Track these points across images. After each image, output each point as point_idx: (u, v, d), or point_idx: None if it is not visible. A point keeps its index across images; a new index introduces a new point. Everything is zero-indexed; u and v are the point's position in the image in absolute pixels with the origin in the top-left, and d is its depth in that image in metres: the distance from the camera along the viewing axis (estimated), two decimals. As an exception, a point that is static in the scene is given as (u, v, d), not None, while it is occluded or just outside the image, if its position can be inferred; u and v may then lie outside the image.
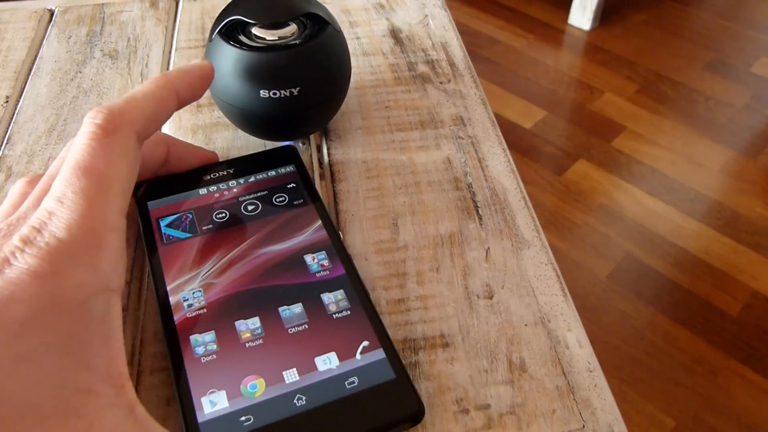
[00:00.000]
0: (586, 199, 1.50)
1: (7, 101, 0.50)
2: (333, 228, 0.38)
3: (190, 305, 0.34)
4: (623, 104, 1.72)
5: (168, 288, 0.35)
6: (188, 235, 0.38)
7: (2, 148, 0.47)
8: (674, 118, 1.68)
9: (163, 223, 0.39)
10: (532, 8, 2.05)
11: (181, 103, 0.36)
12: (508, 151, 0.46)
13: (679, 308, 1.32)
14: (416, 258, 0.39)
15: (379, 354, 0.32)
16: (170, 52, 0.55)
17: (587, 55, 1.88)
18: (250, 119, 0.42)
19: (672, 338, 1.28)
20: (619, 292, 1.32)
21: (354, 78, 0.51)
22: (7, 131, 0.48)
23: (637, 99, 1.74)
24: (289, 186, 0.40)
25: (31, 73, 0.53)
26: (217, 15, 0.56)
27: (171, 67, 0.53)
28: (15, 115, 0.49)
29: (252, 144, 0.46)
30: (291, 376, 0.32)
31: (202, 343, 0.33)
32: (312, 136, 0.47)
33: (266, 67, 0.40)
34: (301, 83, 0.40)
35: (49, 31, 0.57)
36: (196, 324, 0.34)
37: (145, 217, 0.39)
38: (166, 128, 0.48)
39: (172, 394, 0.33)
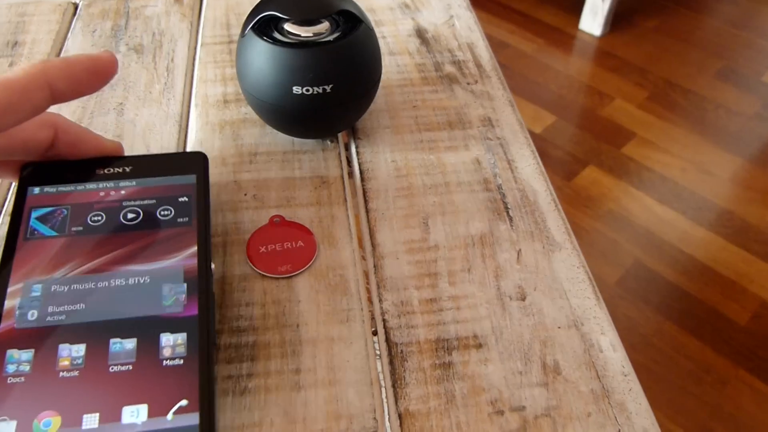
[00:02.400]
0: (595, 205, 1.49)
1: (33, 93, 0.50)
2: (206, 258, 0.35)
3: (22, 315, 0.33)
4: (633, 111, 1.72)
5: (9, 290, 0.34)
6: (54, 233, 0.36)
7: (29, 140, 0.46)
8: (684, 125, 1.68)
9: (34, 215, 0.36)
10: (543, 13, 2.05)
11: (58, 97, 0.33)
12: (536, 154, 0.46)
13: (687, 316, 1.32)
14: (447, 258, 0.39)
15: (193, 419, 0.29)
16: (195, 48, 0.55)
17: (597, 61, 1.88)
18: (280, 116, 0.42)
19: (680, 346, 1.28)
20: (628, 298, 1.31)
21: (381, 77, 0.51)
22: (33, 123, 0.48)
23: (648, 106, 1.73)
24: (180, 199, 0.37)
25: (57, 66, 0.53)
26: (243, 11, 0.55)
27: (197, 63, 0.53)
28: (41, 107, 0.49)
29: (280, 141, 0.46)
30: (90, 421, 0.29)
31: (17, 361, 0.31)
32: (340, 135, 0.47)
33: (300, 64, 0.40)
34: (334, 80, 0.40)
35: (73, 24, 0.57)
36: (20, 338, 0.32)
37: (19, 203, 0.37)
38: (193, 122, 0.48)
39: None
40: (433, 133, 0.47)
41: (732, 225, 1.47)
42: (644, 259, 1.40)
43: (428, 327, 0.36)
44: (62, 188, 0.38)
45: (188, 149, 0.45)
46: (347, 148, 0.46)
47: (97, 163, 0.39)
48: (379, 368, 0.35)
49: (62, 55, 0.54)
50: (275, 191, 0.43)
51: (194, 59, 0.54)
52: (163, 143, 0.46)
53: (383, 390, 0.34)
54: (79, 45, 0.55)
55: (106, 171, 0.39)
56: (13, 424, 0.29)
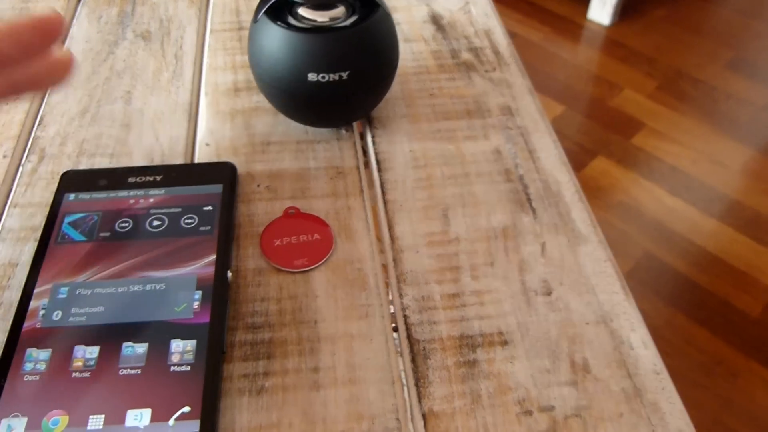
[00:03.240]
0: (605, 196, 1.48)
1: (38, 81, 0.49)
2: (224, 267, 0.35)
3: (46, 315, 0.33)
4: (643, 101, 1.69)
5: (35, 291, 0.34)
6: (83, 238, 0.36)
7: (34, 128, 0.45)
8: (694, 116, 1.66)
9: (67, 220, 0.37)
10: (551, 2, 2.02)
11: (3, 60, 0.29)
12: (558, 143, 0.44)
13: (698, 308, 1.30)
14: (469, 251, 0.38)
15: (194, 426, 0.29)
16: (204, 35, 0.53)
17: (606, 51, 1.85)
18: (295, 104, 0.41)
19: (691, 338, 1.26)
20: (638, 290, 1.30)
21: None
22: (38, 112, 0.46)
23: (657, 96, 1.71)
24: (205, 208, 0.38)
25: (62, 54, 0.51)
26: (255, -4, 0.54)
27: (206, 50, 0.51)
28: (46, 95, 0.48)
29: (293, 130, 0.44)
30: (96, 422, 0.29)
31: (35, 359, 0.31)
32: (355, 124, 0.45)
33: (316, 50, 0.38)
34: (351, 67, 0.39)
35: (78, 10, 0.56)
36: (40, 338, 0.32)
37: (55, 208, 0.38)
38: (203, 111, 0.46)
39: None
40: (452, 122, 0.45)
41: (743, 216, 1.45)
42: (654, 250, 1.38)
43: (451, 323, 0.35)
44: (96, 195, 0.39)
45: (198, 139, 0.44)
46: (362, 137, 0.45)
47: (130, 171, 0.40)
48: (401, 366, 0.33)
49: (67, 43, 0.52)
50: (289, 182, 0.41)
51: (203, 46, 0.52)
52: (172, 133, 0.44)
53: (405, 389, 0.32)
54: (84, 32, 0.53)
55: (138, 179, 0.39)
56: (24, 420, 0.29)
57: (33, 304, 0.33)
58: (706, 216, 1.45)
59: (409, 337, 0.34)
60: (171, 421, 0.29)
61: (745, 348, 1.26)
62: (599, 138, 1.60)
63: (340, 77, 0.39)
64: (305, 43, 0.38)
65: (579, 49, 1.87)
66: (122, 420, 0.29)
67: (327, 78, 0.38)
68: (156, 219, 0.37)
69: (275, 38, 0.39)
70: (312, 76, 0.38)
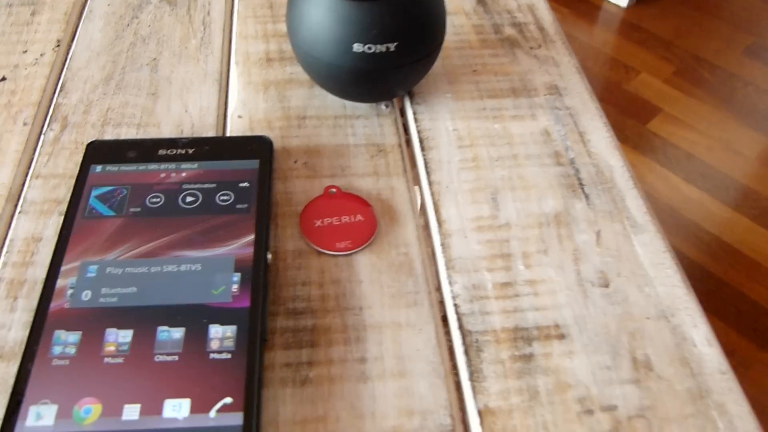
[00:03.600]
0: (619, 181, 1.46)
1: (58, 45, 0.46)
2: (264, 248, 0.33)
3: (75, 295, 0.31)
4: (659, 86, 1.67)
5: (62, 268, 0.32)
6: (112, 213, 0.34)
7: (56, 95, 0.43)
8: (712, 102, 1.63)
9: (94, 193, 0.35)
10: (567, -18, 1.99)
11: None
12: (609, 126, 0.42)
13: (711, 297, 1.29)
14: (521, 238, 0.36)
15: (237, 419, 0.27)
16: (233, 1, 0.51)
17: (623, 33, 1.82)
18: (337, 76, 0.38)
19: (703, 328, 1.25)
20: (651, 278, 1.28)
21: (438, 37, 0.47)
22: (60, 77, 0.44)
23: (674, 81, 1.68)
24: (241, 185, 0.36)
25: (83, 17, 0.49)
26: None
27: (235, 18, 0.49)
28: (68, 60, 0.45)
29: (330, 104, 0.42)
30: (131, 412, 0.27)
31: (63, 342, 0.29)
32: (395, 99, 0.43)
33: (363, 19, 0.36)
34: (399, 38, 0.36)
35: (100, -28, 0.53)
36: (68, 319, 0.30)
37: (81, 180, 0.35)
38: (234, 82, 0.44)
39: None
40: (497, 101, 0.43)
41: (758, 206, 1.43)
42: (668, 238, 1.36)
43: (504, 314, 0.33)
44: (124, 167, 0.36)
45: (230, 111, 0.41)
46: (402, 113, 0.42)
47: (160, 143, 0.37)
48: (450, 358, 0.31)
49: (88, 6, 0.49)
50: (328, 159, 0.39)
51: (232, 13, 0.49)
52: (202, 103, 0.42)
53: (457, 383, 0.30)
54: (107, -5, 0.50)
55: (168, 152, 0.37)
56: (54, 408, 0.27)
57: (60, 282, 0.31)
58: (721, 204, 1.43)
59: (460, 327, 0.32)
60: (212, 413, 0.27)
61: (758, 339, 1.24)
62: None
63: (387, 49, 0.36)
64: (351, 12, 0.35)
65: (595, 31, 1.84)
66: (159, 410, 0.27)
67: (373, 49, 0.36)
68: (189, 195, 0.35)
69: (319, 5, 0.36)
70: (358, 47, 0.36)
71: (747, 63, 1.74)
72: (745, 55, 1.76)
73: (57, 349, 0.29)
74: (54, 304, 0.30)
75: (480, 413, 0.29)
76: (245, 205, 0.34)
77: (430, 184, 0.38)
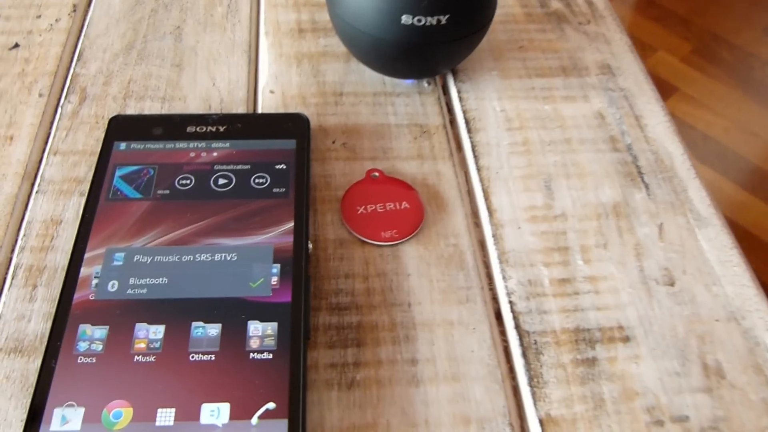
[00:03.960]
0: (634, 162, 1.43)
1: (74, 10, 0.43)
2: (304, 236, 0.30)
3: (101, 285, 0.28)
4: (676, 64, 1.63)
5: (86, 255, 0.29)
6: (139, 195, 0.31)
7: (73, 64, 0.39)
8: (729, 83, 1.60)
9: (118, 173, 0.32)
10: (583, -45, 1.93)
11: None
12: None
13: (724, 282, 1.27)
14: (578, 230, 0.33)
15: (281, 427, 0.25)
16: (259, -33, 0.47)
17: (639, 10, 1.78)
18: (381, 50, 0.35)
19: (717, 313, 1.23)
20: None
21: (482, 10, 0.44)
22: (77, 45, 0.41)
23: (691, 60, 1.65)
24: (277, 167, 0.33)
25: (100, -20, 0.45)
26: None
27: (264, -16, 0.46)
28: (85, 27, 0.42)
29: (369, 80, 0.39)
30: (165, 417, 0.25)
31: (89, 338, 0.27)
32: (437, 77, 0.40)
33: (413, -13, 0.33)
34: (452, 10, 0.33)
35: (116, -68, 0.49)
36: (94, 312, 0.27)
37: (104, 158, 0.33)
38: (264, 53, 0.41)
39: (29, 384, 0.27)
40: (546, 80, 0.40)
41: (775, 190, 1.41)
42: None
43: (564, 313, 0.30)
44: (150, 145, 0.33)
45: (261, 85, 0.38)
46: (445, 91, 0.40)
47: (188, 119, 0.34)
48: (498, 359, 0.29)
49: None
50: (368, 140, 0.36)
51: (259, -21, 0.46)
52: (231, 76, 0.39)
53: (514, 388, 0.28)
54: (125, -44, 0.47)
55: (198, 129, 0.34)
56: (81, 411, 0.25)
57: (84, 271, 0.29)
58: (737, 188, 1.40)
59: (517, 327, 0.30)
60: (254, 419, 0.25)
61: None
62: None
63: (438, 21, 0.33)
64: (402, -21, 0.32)
65: (612, 7, 1.79)
66: (196, 415, 0.25)
67: (423, 22, 0.33)
68: (222, 177, 0.32)
69: (365, -29, 0.33)
70: (406, 19, 0.33)
71: (766, 42, 1.70)
72: (765, 35, 1.72)
73: (82, 346, 0.27)
74: (78, 295, 0.28)
75: (541, 422, 0.27)
76: (282, 189, 0.32)
77: (479, 169, 0.35)
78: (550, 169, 0.35)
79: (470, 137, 0.37)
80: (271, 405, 0.25)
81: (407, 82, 0.39)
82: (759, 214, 1.37)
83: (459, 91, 0.39)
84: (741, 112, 1.54)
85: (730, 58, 1.66)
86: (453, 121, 0.38)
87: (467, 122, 0.37)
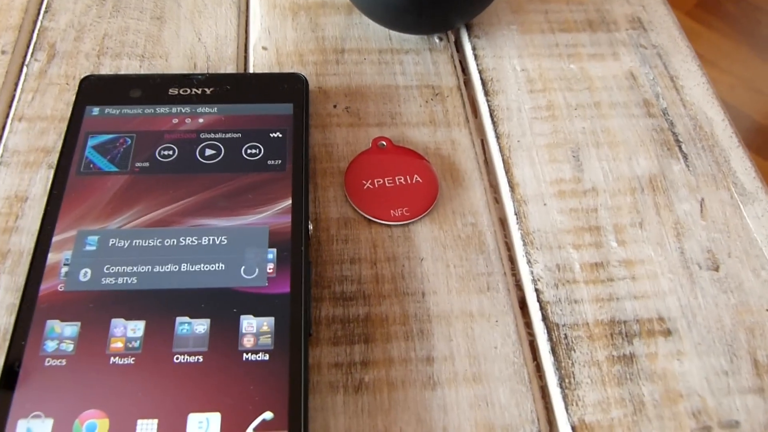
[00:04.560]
0: (637, 120, 1.39)
1: (41, -45, 0.38)
2: (305, 216, 0.26)
3: (71, 274, 0.24)
4: (681, 18, 1.57)
5: (53, 239, 0.25)
6: (114, 168, 0.28)
7: (40, 17, 0.35)
8: (735, 38, 1.55)
9: (90, 143, 0.28)
10: None
11: None
12: (704, 70, 0.35)
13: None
14: (611, 207, 0.29)
15: None
16: None
17: (645, -39, 1.71)
18: (388, 1, 0.31)
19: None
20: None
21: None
22: (44, -5, 0.36)
23: (696, 14, 1.59)
24: (272, 135, 0.29)
25: None
26: None
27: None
28: (53, -26, 0.37)
29: (373, 34, 0.35)
30: (146, 430, 0.22)
31: (58, 336, 0.23)
32: (449, 31, 0.36)
33: (427, -73, 0.28)
34: (471, -47, 0.29)
35: None
36: (64, 305, 0.24)
37: (74, 125, 0.29)
38: (255, 5, 0.36)
39: None
40: (571, 35, 0.36)
41: (781, 150, 1.37)
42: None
43: (597, 303, 0.27)
44: (127, 110, 0.29)
45: (252, 41, 0.34)
46: (459, 48, 0.35)
47: (170, 80, 0.30)
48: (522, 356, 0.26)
49: None
50: (373, 103, 0.32)
51: None
52: (218, 31, 0.35)
53: (542, 389, 0.25)
54: None
55: (181, 92, 0.30)
56: (49, 423, 0.22)
57: (52, 257, 0.25)
58: (742, 147, 1.36)
59: (544, 319, 0.26)
60: (249, 431, 0.22)
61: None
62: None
63: (455, -33, 0.29)
64: None
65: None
66: (182, 428, 0.22)
67: (438, -33, 0.29)
68: (209, 147, 0.28)
69: None
70: (418, -36, 0.29)
71: (775, -4, 1.64)
72: (774, -12, 1.66)
73: (50, 345, 0.23)
74: (45, 286, 0.24)
75: (574, 429, 0.24)
76: (278, 161, 0.28)
77: (498, 137, 0.31)
78: (577, 137, 0.32)
79: (488, 100, 0.33)
80: (268, 415, 0.22)
81: (416, 38, 0.35)
82: (764, 175, 1.33)
83: (474, 48, 0.35)
84: (747, 68, 1.50)
85: (736, 12, 1.61)
86: (468, 82, 0.34)
87: (484, 83, 0.33)
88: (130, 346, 0.23)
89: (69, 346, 0.23)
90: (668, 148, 0.32)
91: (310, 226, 0.27)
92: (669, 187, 0.30)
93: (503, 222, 0.29)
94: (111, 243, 0.26)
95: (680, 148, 0.32)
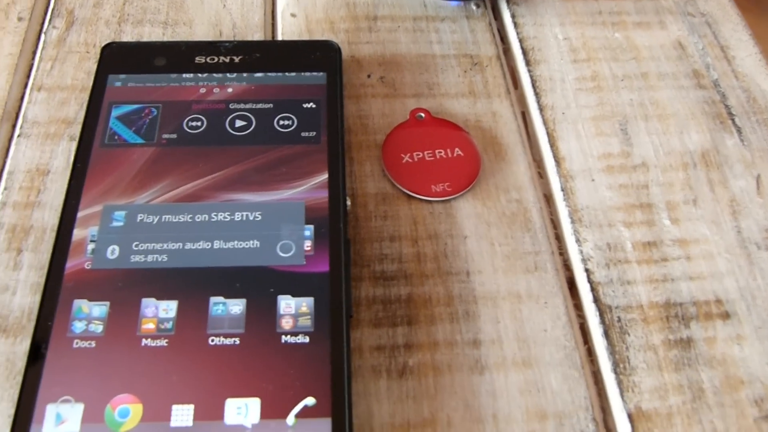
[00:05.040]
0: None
1: None
2: (342, 190, 0.25)
3: (99, 251, 0.23)
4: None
5: (78, 214, 0.24)
6: (140, 140, 0.26)
7: (57, -18, 0.33)
8: (756, 12, 1.51)
9: (114, 113, 0.27)
10: None
11: None
12: (755, 40, 0.33)
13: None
14: (662, 183, 0.28)
15: (324, 427, 0.20)
16: None
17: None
18: (427, -37, 0.29)
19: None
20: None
21: None
22: (61, -40, 0.34)
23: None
24: (305, 105, 0.27)
25: None
26: None
27: None
28: (70, -62, 0.35)
29: (407, 0, 0.33)
30: (182, 415, 0.20)
31: (86, 317, 0.22)
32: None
33: None
34: None
35: None
36: (91, 284, 0.23)
37: (96, 95, 0.27)
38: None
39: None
40: (615, 3, 0.34)
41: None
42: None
43: (651, 284, 0.25)
44: (152, 79, 0.28)
45: (280, 7, 0.33)
46: (497, 16, 0.34)
47: (197, 47, 0.29)
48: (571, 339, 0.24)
49: None
50: (409, 73, 0.30)
51: None
52: (244, -3, 0.33)
53: (594, 374, 0.24)
54: None
55: (208, 60, 0.28)
56: (80, 408, 0.20)
57: (77, 233, 0.24)
58: None
59: (596, 301, 0.25)
60: (290, 419, 0.20)
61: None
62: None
63: (500, -73, 0.27)
64: None
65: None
66: (219, 413, 0.20)
67: (482, -74, 0.27)
68: (239, 118, 0.27)
69: None
70: (462, -77, 0.27)
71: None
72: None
73: (78, 326, 0.22)
74: (71, 264, 0.23)
75: (630, 417, 0.23)
76: (313, 133, 0.26)
77: (541, 109, 0.30)
78: (625, 109, 0.30)
79: (529, 71, 0.31)
80: (309, 400, 0.21)
81: (452, 4, 0.33)
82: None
83: (513, 16, 0.33)
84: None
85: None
86: (507, 52, 0.32)
87: (525, 53, 0.32)
88: (163, 327, 0.22)
89: (98, 327, 0.22)
90: (721, 121, 0.30)
91: (348, 202, 0.25)
92: (723, 162, 0.29)
93: (548, 198, 0.27)
94: (139, 219, 0.24)
95: (733, 121, 0.30)
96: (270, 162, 0.26)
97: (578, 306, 0.25)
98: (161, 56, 0.29)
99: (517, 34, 0.32)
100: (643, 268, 0.26)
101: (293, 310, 0.22)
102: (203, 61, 0.28)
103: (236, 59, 0.28)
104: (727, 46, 0.33)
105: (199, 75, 0.28)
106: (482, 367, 0.23)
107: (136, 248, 0.23)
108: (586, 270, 0.25)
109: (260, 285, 0.23)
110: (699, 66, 0.32)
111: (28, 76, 0.30)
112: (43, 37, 0.31)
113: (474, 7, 0.33)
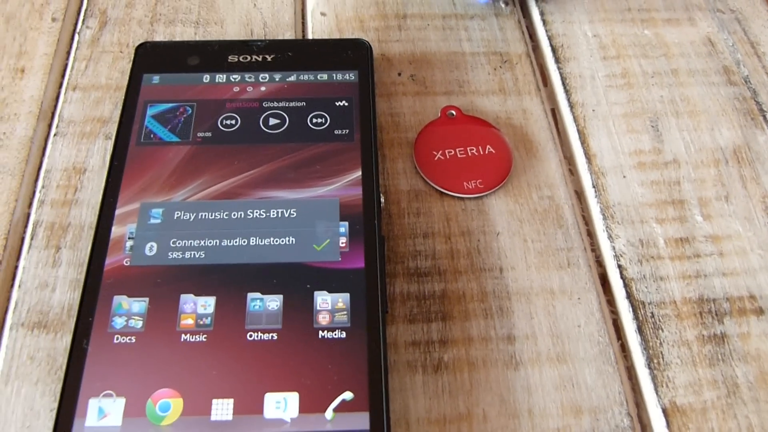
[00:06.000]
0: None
1: None
2: (376, 187, 0.25)
3: (137, 248, 0.24)
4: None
5: (116, 212, 0.24)
6: (175, 139, 0.26)
7: (90, -17, 0.34)
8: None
9: (150, 112, 0.27)
10: None
11: None
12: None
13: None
14: (694, 180, 0.28)
15: (362, 421, 0.20)
16: None
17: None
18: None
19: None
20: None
21: None
22: (93, -39, 0.35)
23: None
24: (338, 104, 0.27)
25: None
26: None
27: None
28: (101, -61, 0.36)
29: None
30: (222, 409, 0.21)
31: (126, 313, 0.22)
32: (514, -5, 0.34)
33: None
34: None
35: None
36: (130, 280, 0.23)
37: (132, 94, 0.28)
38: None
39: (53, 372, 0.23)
40: (643, 0, 0.34)
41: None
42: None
43: (684, 280, 0.25)
44: (186, 78, 0.28)
45: (310, 6, 0.33)
46: (525, 14, 0.34)
47: (229, 46, 0.29)
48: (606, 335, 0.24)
49: None
50: (440, 71, 0.31)
51: None
52: (273, -4, 0.33)
53: (628, 370, 0.24)
54: None
55: (241, 59, 0.29)
56: (121, 402, 0.21)
57: (116, 230, 0.24)
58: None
59: (629, 297, 0.25)
60: (329, 413, 0.21)
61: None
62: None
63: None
64: None
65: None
66: (259, 407, 0.21)
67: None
68: (272, 116, 0.27)
69: None
70: None
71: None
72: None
73: (118, 322, 0.22)
74: (110, 261, 0.23)
75: (665, 412, 0.23)
76: (346, 131, 0.27)
77: (571, 106, 0.30)
78: (656, 106, 0.30)
79: (558, 68, 0.31)
80: (348, 395, 0.21)
81: (481, 2, 0.33)
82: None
83: (542, 13, 0.33)
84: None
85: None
86: (537, 49, 0.32)
87: (554, 50, 0.32)
88: (201, 322, 0.22)
89: (138, 323, 0.22)
90: (752, 117, 0.30)
91: (382, 199, 0.25)
92: (755, 158, 0.29)
93: (579, 195, 0.28)
94: (176, 216, 0.25)
95: (765, 117, 0.30)
96: (304, 159, 0.26)
97: (611, 302, 0.25)
98: (195, 55, 0.29)
99: (546, 31, 0.32)
100: (675, 264, 0.26)
101: (330, 305, 0.23)
102: (236, 60, 0.29)
103: (269, 58, 0.29)
104: (757, 42, 0.33)
105: (233, 74, 0.28)
106: (517, 362, 0.23)
107: (173, 245, 0.24)
108: (619, 266, 0.26)
109: (296, 281, 0.23)
110: (729, 62, 0.32)
111: (63, 76, 0.30)
112: (77, 37, 0.32)
113: (503, 5, 0.33)
